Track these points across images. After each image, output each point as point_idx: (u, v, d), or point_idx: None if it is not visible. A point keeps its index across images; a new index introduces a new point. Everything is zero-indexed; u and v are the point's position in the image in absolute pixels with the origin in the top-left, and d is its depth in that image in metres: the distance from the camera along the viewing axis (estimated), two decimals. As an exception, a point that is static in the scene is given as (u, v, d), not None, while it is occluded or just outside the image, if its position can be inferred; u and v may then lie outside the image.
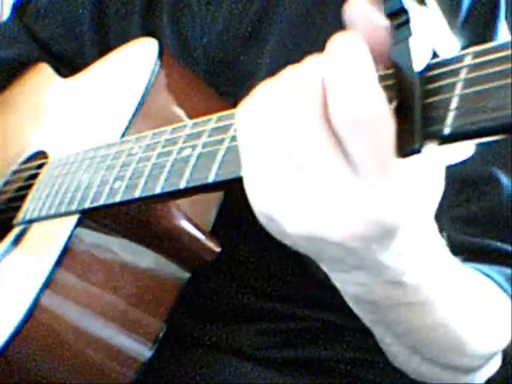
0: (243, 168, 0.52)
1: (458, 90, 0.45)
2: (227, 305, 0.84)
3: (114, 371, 0.75)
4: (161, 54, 0.80)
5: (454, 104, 0.45)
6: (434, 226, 0.58)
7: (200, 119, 0.64)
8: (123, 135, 0.76)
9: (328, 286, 0.78)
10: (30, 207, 0.82)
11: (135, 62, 0.83)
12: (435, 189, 0.52)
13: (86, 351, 0.73)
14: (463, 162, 0.74)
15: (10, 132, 1.01)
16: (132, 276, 0.75)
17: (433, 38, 0.48)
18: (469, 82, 0.45)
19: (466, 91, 0.45)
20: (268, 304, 0.83)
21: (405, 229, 0.51)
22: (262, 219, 0.53)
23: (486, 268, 0.73)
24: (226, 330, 0.84)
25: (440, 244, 0.60)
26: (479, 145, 0.75)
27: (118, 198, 0.68)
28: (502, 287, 0.73)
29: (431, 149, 0.46)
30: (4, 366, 0.72)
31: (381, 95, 0.46)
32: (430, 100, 0.46)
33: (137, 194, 0.66)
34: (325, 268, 0.58)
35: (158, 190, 0.64)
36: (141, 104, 0.77)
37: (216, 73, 0.86)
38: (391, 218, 0.49)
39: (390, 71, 0.48)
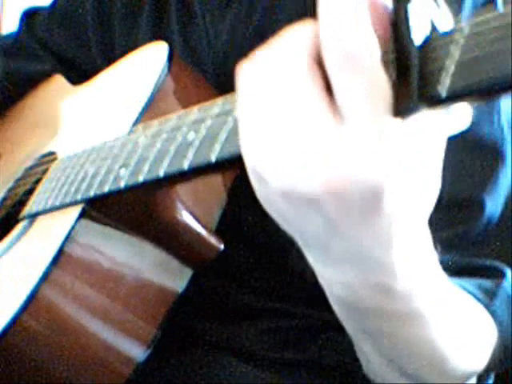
0: (240, 126, 0.50)
1: (456, 56, 0.46)
2: (227, 304, 0.84)
3: (108, 368, 0.74)
4: (170, 57, 0.82)
5: (451, 69, 0.46)
6: (428, 236, 0.56)
7: (205, 104, 0.65)
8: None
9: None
10: (36, 200, 0.83)
11: (145, 65, 0.85)
12: (430, 177, 0.50)
13: (81, 343, 0.73)
14: (454, 187, 0.75)
15: (18, 141, 1.02)
16: (132, 272, 0.75)
17: (432, 10, 0.50)
18: (466, 49, 0.46)
19: (464, 57, 0.46)
20: (268, 304, 0.83)
21: (391, 204, 0.48)
22: (252, 178, 0.51)
23: (465, 283, 0.72)
24: (227, 329, 0.83)
25: (432, 256, 0.58)
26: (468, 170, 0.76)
27: (122, 184, 0.69)
28: (480, 301, 0.73)
29: (428, 113, 0.48)
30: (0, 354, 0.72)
31: (375, 40, 0.46)
32: (428, 68, 0.48)
33: (141, 178, 0.67)
34: (311, 259, 0.56)
35: (161, 173, 0.65)
36: (148, 105, 0.78)
37: (224, 87, 0.88)
38: (373, 179, 0.46)
39: (389, 48, 0.50)
